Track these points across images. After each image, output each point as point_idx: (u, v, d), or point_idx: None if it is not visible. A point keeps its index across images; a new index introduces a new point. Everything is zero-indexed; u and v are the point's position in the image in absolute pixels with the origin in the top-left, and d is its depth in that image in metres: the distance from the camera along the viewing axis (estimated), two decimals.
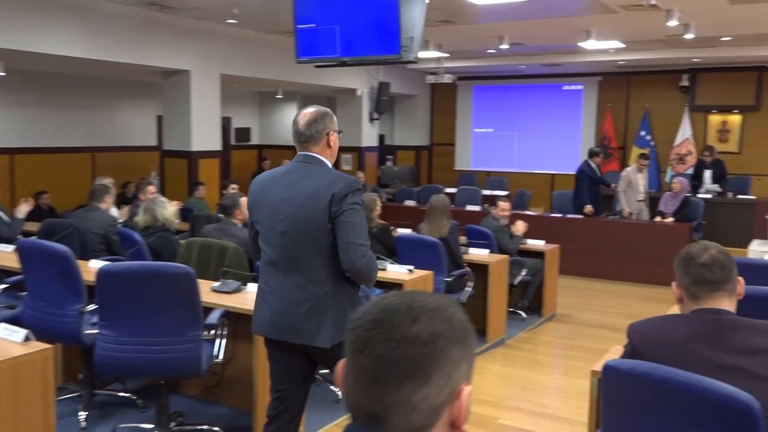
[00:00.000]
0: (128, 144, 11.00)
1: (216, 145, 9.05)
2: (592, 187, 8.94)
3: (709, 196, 9.90)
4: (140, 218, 4.87)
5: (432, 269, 5.04)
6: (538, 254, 6.61)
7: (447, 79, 10.48)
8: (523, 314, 6.55)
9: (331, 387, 4.33)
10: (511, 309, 6.45)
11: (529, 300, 6.58)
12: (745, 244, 8.36)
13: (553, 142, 12.97)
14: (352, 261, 2.38)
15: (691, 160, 11.52)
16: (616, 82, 12.56)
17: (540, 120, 13.12)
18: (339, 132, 2.60)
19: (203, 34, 8.66)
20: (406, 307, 0.86)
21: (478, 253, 5.91)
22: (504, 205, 6.55)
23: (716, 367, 1.90)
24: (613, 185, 9.23)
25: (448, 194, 10.19)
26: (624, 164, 11.90)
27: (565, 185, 11.73)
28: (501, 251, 6.21)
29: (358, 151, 11.90)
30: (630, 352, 2.05)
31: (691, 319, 2.02)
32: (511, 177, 12.72)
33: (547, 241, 6.92)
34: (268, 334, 2.55)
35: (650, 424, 1.85)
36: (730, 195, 10.18)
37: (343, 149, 12.04)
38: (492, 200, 7.45)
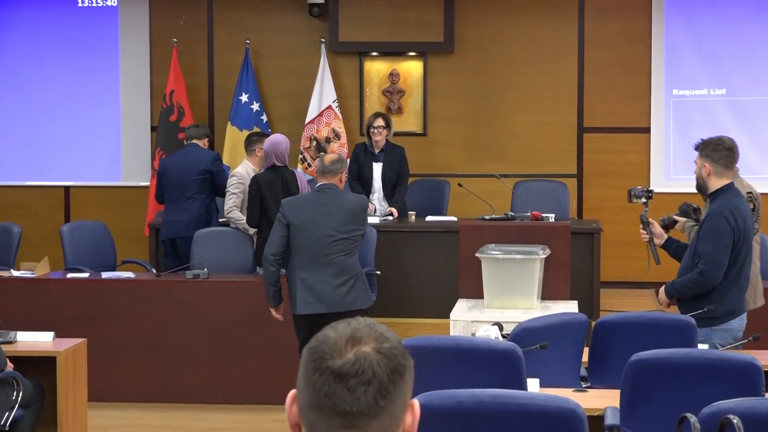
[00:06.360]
0: None
1: None
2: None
3: (376, 221, 10.59)
4: None
5: None
6: (46, 361, 7.27)
7: None
8: None
9: None
10: None
11: None
12: (447, 309, 9.16)
13: (67, 122, 13.48)
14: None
15: (338, 147, 12.24)
16: None
17: (42, 76, 13.59)
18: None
19: None
20: None
21: None
22: None
23: None
24: None
25: None
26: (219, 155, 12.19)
27: (91, 212, 12.47)
28: None
29: None
30: None
31: None
32: None
33: (60, 334, 7.60)
34: (312, 311, 8.01)
35: None
36: (412, 217, 11.00)
37: None
38: None
